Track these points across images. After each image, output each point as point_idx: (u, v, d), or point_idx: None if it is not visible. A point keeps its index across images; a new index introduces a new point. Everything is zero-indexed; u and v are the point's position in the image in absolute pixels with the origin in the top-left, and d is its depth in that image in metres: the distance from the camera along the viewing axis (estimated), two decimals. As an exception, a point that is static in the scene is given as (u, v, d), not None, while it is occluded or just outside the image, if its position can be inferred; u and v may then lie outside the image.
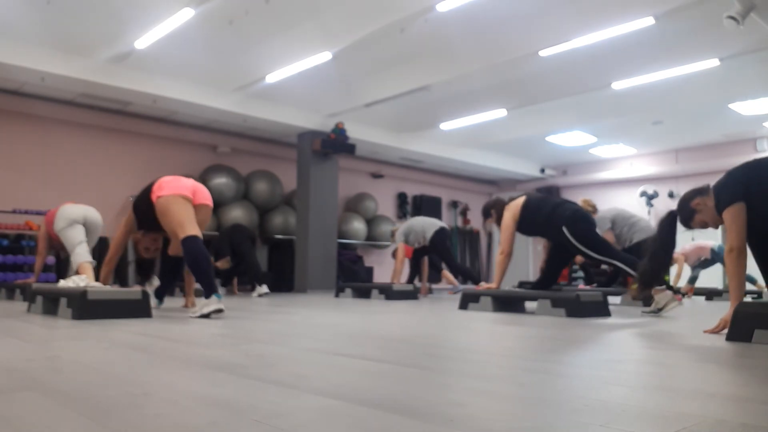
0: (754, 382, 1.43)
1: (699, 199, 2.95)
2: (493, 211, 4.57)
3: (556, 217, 4.15)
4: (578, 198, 10.31)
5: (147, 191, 3.80)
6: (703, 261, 7.70)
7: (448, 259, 7.28)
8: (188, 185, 3.74)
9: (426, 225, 7.27)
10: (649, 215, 11.67)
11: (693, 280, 7.68)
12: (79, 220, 4.96)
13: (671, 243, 3.14)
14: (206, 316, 3.33)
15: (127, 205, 8.71)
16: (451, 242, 7.50)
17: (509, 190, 13.97)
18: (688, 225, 3.06)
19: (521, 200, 4.38)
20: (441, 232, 7.19)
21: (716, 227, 3.00)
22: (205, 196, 3.83)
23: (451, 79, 7.29)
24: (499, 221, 4.50)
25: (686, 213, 3.02)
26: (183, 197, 3.63)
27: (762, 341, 2.24)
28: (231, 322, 3.12)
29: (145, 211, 3.79)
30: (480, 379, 1.46)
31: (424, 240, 7.22)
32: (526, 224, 4.34)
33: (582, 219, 4.14)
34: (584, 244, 4.07)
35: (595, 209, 6.11)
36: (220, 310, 3.35)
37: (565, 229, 4.09)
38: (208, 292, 3.36)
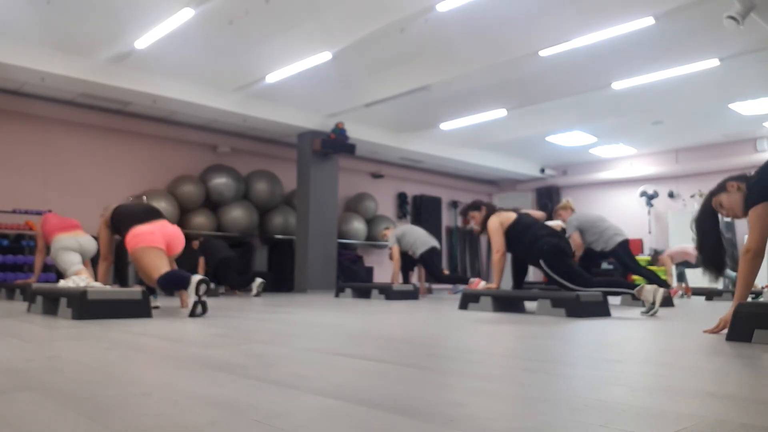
0: (754, 382, 1.43)
1: (736, 183, 2.82)
2: (484, 208, 4.87)
3: (535, 250, 4.41)
4: (578, 198, 10.28)
5: (123, 232, 4.01)
6: (685, 261, 7.80)
7: (436, 274, 7.38)
8: (159, 239, 3.94)
9: (418, 241, 7.35)
10: (649, 215, 11.67)
11: (681, 276, 7.73)
12: (75, 249, 5.18)
13: (714, 222, 2.94)
14: (199, 298, 3.41)
15: (127, 205, 8.70)
16: (440, 259, 7.64)
17: (509, 190, 13.97)
18: (710, 199, 2.93)
19: (513, 216, 4.68)
20: (431, 252, 7.32)
21: (728, 216, 2.86)
22: (177, 245, 4.10)
23: (451, 79, 7.28)
24: (483, 223, 4.80)
25: (717, 187, 2.91)
26: (156, 249, 3.89)
27: (762, 341, 2.24)
28: (231, 322, 3.12)
29: (119, 233, 4.12)
30: (480, 379, 1.46)
31: (413, 253, 7.30)
32: (509, 241, 4.62)
33: (559, 254, 4.33)
34: (561, 276, 4.28)
35: (572, 210, 6.34)
36: (202, 281, 3.43)
37: (542, 263, 4.33)
38: (186, 284, 3.49)
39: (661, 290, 3.87)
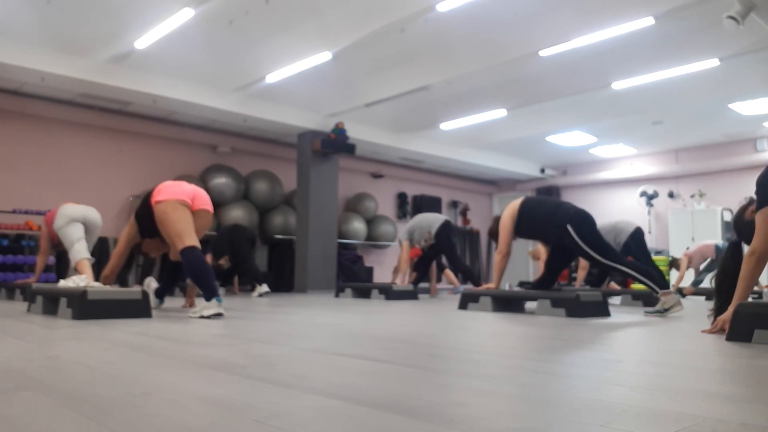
0: (754, 382, 1.43)
1: (753, 207, 2.77)
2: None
3: (559, 215, 4.03)
4: (578, 198, 10.28)
5: (147, 196, 3.79)
6: (709, 263, 7.70)
7: (452, 254, 7.24)
8: (187, 190, 3.71)
9: (431, 219, 7.25)
10: (649, 215, 11.67)
11: (697, 283, 7.67)
12: (79, 219, 4.99)
13: (737, 271, 2.85)
14: (207, 317, 3.35)
15: (127, 206, 8.71)
16: (456, 238, 7.44)
17: (509, 191, 13.97)
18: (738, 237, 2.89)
19: (519, 200, 4.34)
20: (446, 225, 7.18)
21: None
22: (204, 202, 3.79)
23: (451, 79, 7.29)
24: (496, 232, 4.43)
25: (747, 227, 2.83)
26: (181, 203, 3.60)
27: (762, 341, 2.24)
28: (231, 322, 3.12)
29: (145, 216, 3.78)
30: (480, 379, 1.46)
31: (430, 236, 7.15)
32: (525, 224, 4.24)
33: (586, 219, 4.04)
34: (589, 245, 3.94)
35: None
36: (219, 315, 3.36)
37: (569, 228, 3.95)
38: (209, 296, 3.38)
39: (681, 307, 3.82)
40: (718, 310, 2.82)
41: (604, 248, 3.97)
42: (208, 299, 3.38)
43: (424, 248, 7.38)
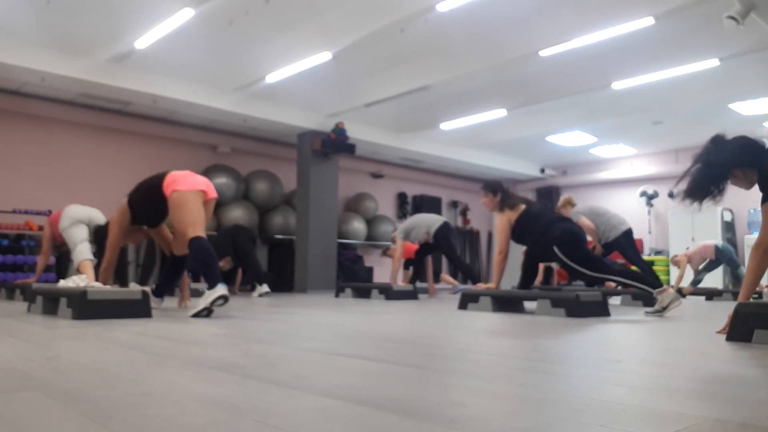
0: (753, 382, 1.43)
1: (740, 172, 2.70)
2: (500, 194, 4.59)
3: (547, 236, 4.21)
4: (578, 198, 10.33)
5: (156, 185, 3.79)
6: (708, 263, 7.71)
7: (452, 253, 7.27)
8: (201, 182, 3.80)
9: (430, 220, 7.30)
10: (649, 215, 11.67)
11: (696, 283, 7.67)
12: (84, 221, 5.03)
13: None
14: (210, 306, 3.35)
15: (127, 205, 8.70)
16: (455, 238, 7.47)
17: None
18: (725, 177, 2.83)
19: (521, 207, 4.48)
20: (445, 226, 7.23)
21: (748, 188, 2.74)
22: (213, 191, 3.92)
23: (451, 79, 7.29)
24: (495, 209, 4.63)
25: (722, 170, 2.79)
26: (199, 194, 3.70)
27: (762, 341, 2.24)
28: (231, 322, 3.12)
29: (149, 204, 3.80)
30: (480, 379, 1.46)
31: (428, 236, 7.20)
32: (519, 233, 4.44)
33: (573, 239, 4.18)
34: (577, 262, 4.11)
35: (573, 206, 6.39)
36: (223, 296, 3.36)
37: (556, 249, 4.16)
38: (213, 283, 3.38)
39: (678, 302, 3.83)
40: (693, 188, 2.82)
41: (592, 262, 4.13)
42: (211, 287, 3.38)
43: (420, 242, 7.41)
